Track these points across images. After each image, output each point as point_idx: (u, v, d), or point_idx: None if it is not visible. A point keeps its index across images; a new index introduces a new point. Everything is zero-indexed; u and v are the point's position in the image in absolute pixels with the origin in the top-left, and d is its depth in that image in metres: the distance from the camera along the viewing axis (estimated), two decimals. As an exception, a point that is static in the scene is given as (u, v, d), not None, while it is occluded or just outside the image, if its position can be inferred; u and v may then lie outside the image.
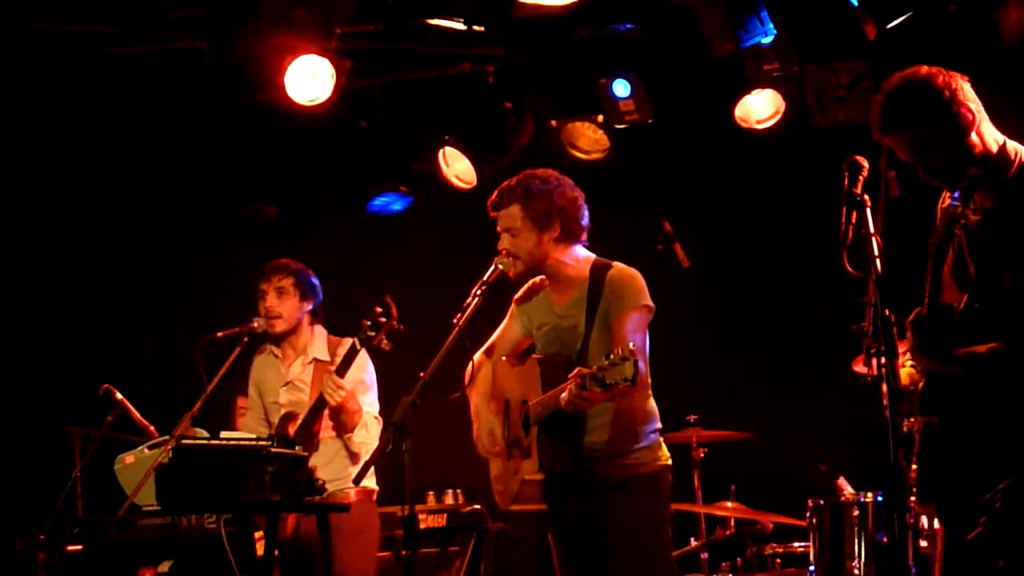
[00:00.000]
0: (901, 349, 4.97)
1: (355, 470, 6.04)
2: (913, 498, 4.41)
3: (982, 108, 4.29)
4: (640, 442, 5.20)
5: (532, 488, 5.24)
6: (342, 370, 6.13)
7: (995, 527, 4.13)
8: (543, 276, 5.39)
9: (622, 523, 5.14)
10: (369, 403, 6.40)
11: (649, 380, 5.25)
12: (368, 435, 6.28)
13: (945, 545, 4.38)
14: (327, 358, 6.45)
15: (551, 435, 5.16)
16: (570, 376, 4.84)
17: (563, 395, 4.88)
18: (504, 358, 5.49)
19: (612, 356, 4.68)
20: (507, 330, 5.56)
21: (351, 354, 6.11)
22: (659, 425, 5.31)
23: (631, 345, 4.70)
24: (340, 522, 6.04)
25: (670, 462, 5.31)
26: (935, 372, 4.23)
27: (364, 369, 6.39)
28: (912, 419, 4.52)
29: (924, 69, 4.29)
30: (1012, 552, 4.13)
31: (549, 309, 5.39)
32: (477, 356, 5.54)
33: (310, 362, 6.49)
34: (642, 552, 5.13)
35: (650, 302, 5.20)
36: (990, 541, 4.16)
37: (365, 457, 6.25)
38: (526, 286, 5.49)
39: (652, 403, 5.30)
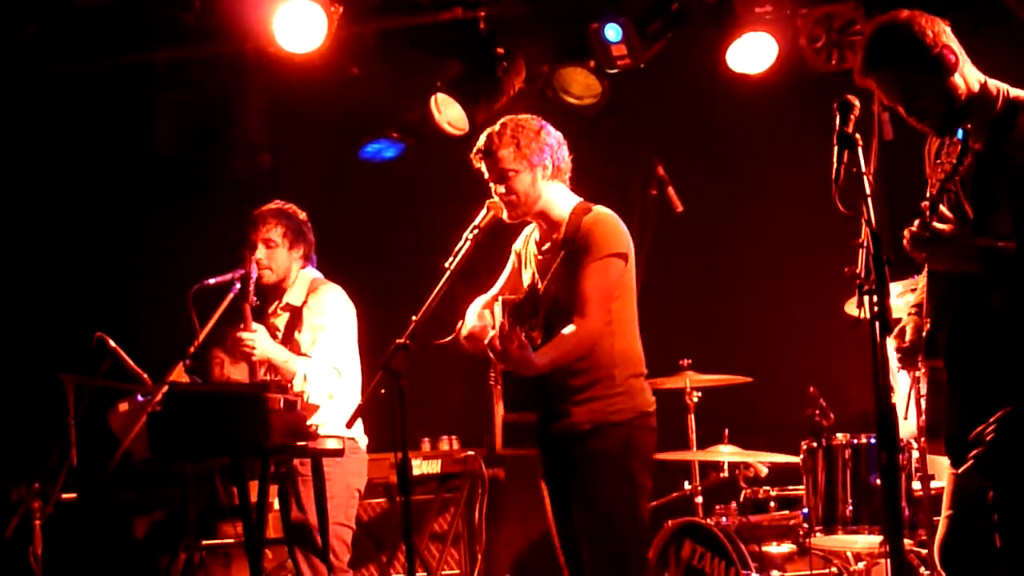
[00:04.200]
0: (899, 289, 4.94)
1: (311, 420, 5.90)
2: (923, 439, 4.43)
3: (963, 51, 4.31)
4: (616, 387, 5.06)
5: (510, 431, 5.12)
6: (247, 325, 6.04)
7: (985, 459, 4.14)
8: (534, 217, 5.36)
9: (588, 472, 5.02)
10: (323, 350, 6.15)
11: (636, 323, 5.17)
12: (306, 385, 6.03)
13: (949, 482, 4.40)
14: (299, 303, 6.30)
15: (514, 378, 5.03)
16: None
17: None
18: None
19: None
20: (508, 277, 5.50)
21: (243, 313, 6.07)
22: (642, 370, 5.18)
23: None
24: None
25: (652, 408, 5.15)
26: (949, 270, 4.21)
27: (322, 312, 6.22)
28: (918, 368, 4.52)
29: (905, 13, 4.32)
30: (1001, 485, 4.15)
31: (536, 250, 5.35)
32: (478, 301, 5.45)
33: (284, 307, 6.36)
34: (606, 502, 4.99)
35: (623, 248, 5.10)
36: (980, 473, 4.18)
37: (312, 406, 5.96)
38: (524, 232, 5.47)
39: (634, 345, 5.16)
